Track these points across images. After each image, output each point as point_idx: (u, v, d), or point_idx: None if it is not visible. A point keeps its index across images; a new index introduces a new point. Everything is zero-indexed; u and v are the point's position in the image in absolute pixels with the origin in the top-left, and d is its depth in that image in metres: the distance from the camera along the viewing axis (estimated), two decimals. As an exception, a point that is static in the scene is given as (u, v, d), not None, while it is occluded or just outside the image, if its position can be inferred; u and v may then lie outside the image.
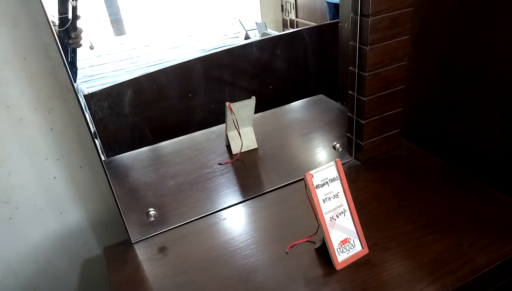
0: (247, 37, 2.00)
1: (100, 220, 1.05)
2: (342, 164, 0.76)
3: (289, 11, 2.06)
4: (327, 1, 1.64)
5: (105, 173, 0.82)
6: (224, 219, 0.94)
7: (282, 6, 2.09)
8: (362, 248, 0.80)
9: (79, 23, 0.95)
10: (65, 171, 0.95)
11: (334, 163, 0.77)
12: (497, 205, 0.88)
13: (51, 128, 0.90)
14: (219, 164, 1.11)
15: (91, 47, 1.03)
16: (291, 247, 0.83)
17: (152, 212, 0.89)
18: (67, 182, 0.97)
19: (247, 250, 0.84)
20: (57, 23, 0.81)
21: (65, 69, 0.73)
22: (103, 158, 0.91)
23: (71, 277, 1.10)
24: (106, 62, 1.79)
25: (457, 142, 1.11)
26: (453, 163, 1.01)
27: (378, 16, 0.86)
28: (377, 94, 0.97)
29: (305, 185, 0.75)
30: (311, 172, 0.74)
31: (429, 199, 0.91)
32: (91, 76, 1.64)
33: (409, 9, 0.89)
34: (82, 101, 0.94)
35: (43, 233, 1.00)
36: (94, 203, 1.02)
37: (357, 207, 0.81)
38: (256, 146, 1.16)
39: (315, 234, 0.83)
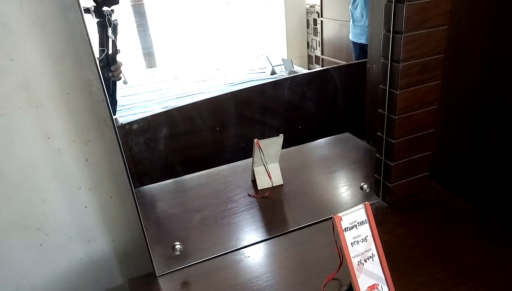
0: (273, 73, 2.05)
1: (126, 250, 1.06)
2: (370, 205, 0.76)
3: (315, 48, 2.11)
4: (352, 41, 1.68)
5: (135, 202, 0.84)
6: (248, 257, 0.93)
7: (308, 43, 2.14)
8: (391, 296, 0.77)
9: (118, 57, 1.00)
10: (96, 201, 0.98)
11: (364, 206, 0.76)
12: (533, 255, 0.84)
13: (87, 159, 0.94)
14: (248, 195, 1.11)
15: (125, 82, 1.08)
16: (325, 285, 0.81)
17: (178, 246, 0.89)
18: (97, 211, 0.99)
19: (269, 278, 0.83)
20: (98, 58, 0.86)
21: (105, 103, 0.77)
22: (138, 186, 0.94)
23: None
24: (137, 93, 1.86)
25: (489, 188, 1.09)
26: (485, 210, 0.99)
27: (408, 62, 0.88)
28: (406, 137, 0.97)
29: (333, 227, 0.74)
30: (339, 214, 0.74)
31: (460, 246, 0.89)
32: (122, 106, 1.71)
33: (440, 55, 0.90)
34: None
35: (70, 260, 1.02)
36: (121, 233, 1.04)
37: (384, 251, 0.79)
38: (282, 182, 1.17)
39: (337, 271, 0.81)
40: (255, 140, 1.08)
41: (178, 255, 0.91)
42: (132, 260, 1.08)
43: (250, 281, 0.86)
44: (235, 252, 0.95)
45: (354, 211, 0.76)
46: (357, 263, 0.75)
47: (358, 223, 0.76)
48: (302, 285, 0.83)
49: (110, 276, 1.08)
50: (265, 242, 0.97)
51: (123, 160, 0.83)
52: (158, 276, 0.89)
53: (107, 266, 1.06)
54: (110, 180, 0.98)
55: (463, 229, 0.94)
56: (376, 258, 0.77)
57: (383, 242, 0.79)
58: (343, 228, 0.74)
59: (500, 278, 0.79)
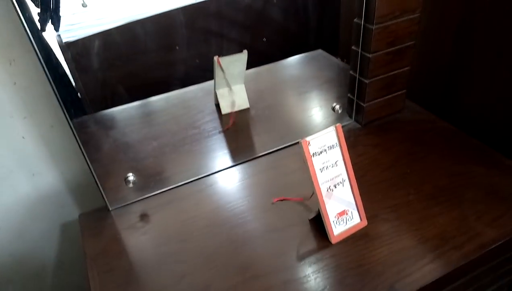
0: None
1: (78, 182, 0.97)
2: (341, 127, 0.68)
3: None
4: None
5: (74, 133, 0.73)
6: (211, 185, 0.87)
7: None
8: (361, 220, 0.73)
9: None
10: (34, 130, 0.86)
11: (334, 128, 0.68)
12: (508, 174, 0.81)
13: (15, 83, 0.79)
14: (219, 132, 1.01)
15: (84, 5, 0.90)
16: (281, 200, 0.76)
17: (131, 177, 0.81)
18: (37, 142, 0.87)
19: (235, 220, 0.77)
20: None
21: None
22: (81, 115, 0.82)
23: (49, 242, 1.03)
24: (91, 9, 1.63)
25: (468, 105, 1.03)
26: (462, 128, 0.94)
27: (391, -43, 0.74)
28: (384, 51, 0.86)
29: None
30: (307, 138, 0.66)
31: (434, 166, 0.84)
32: (72, 24, 1.49)
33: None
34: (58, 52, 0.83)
35: (15, 196, 0.92)
36: (70, 165, 0.94)
37: (356, 175, 0.74)
38: (248, 106, 1.07)
39: (310, 198, 0.76)
40: (215, 58, 0.95)
41: (133, 187, 0.83)
42: (86, 193, 0.99)
43: (213, 211, 0.80)
44: (197, 181, 0.88)
45: (324, 134, 0.68)
46: (326, 189, 0.70)
47: (327, 147, 0.69)
48: (270, 213, 0.78)
49: (65, 211, 1.00)
50: (229, 169, 0.90)
51: (50, 83, 0.70)
52: (112, 210, 0.82)
53: (59, 200, 0.98)
54: (48, 107, 0.85)
55: (438, 148, 0.89)
56: (346, 183, 0.72)
57: (354, 165, 0.73)
58: (311, 153, 0.67)
59: (473, 198, 0.76)
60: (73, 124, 0.74)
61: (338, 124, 0.68)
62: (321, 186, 0.69)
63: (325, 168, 0.68)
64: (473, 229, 0.70)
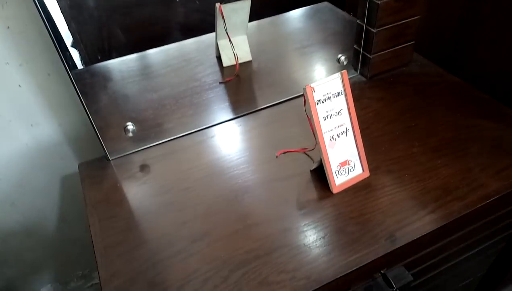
0: None
1: (77, 134, 0.96)
2: (348, 77, 0.65)
3: None
4: None
5: (72, 81, 0.71)
6: (213, 137, 0.85)
7: None
8: (363, 171, 0.72)
9: None
10: (31, 79, 0.84)
11: (340, 75, 0.66)
12: (514, 128, 0.79)
13: (8, 27, 0.76)
14: (220, 83, 0.99)
15: None
16: (284, 153, 0.76)
17: (130, 126, 0.79)
18: (34, 91, 0.85)
19: (236, 170, 0.76)
20: None
21: None
22: (80, 66, 0.80)
23: (50, 192, 1.04)
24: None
25: (477, 59, 0.99)
26: (471, 82, 0.91)
27: None
28: (394, -3, 0.82)
29: (304, 100, 0.65)
30: (312, 85, 0.64)
31: (440, 120, 0.82)
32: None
33: None
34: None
35: (15, 146, 0.92)
36: (69, 116, 0.92)
37: (360, 127, 0.72)
38: (250, 58, 1.03)
39: (312, 149, 0.75)
40: (217, 4, 0.91)
41: (134, 137, 0.82)
42: (86, 145, 0.98)
43: (214, 161, 0.79)
44: (198, 132, 0.87)
45: (329, 81, 0.65)
46: (329, 138, 0.68)
47: (332, 95, 0.67)
48: (271, 164, 0.77)
49: (65, 163, 1.00)
50: (231, 122, 0.89)
51: (48, 30, 0.67)
52: (112, 160, 0.81)
53: (59, 152, 0.97)
54: (45, 54, 0.82)
55: (445, 102, 0.87)
56: (350, 133, 0.70)
57: (358, 117, 0.71)
58: (316, 101, 0.65)
59: (478, 151, 0.75)
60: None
61: (344, 71, 0.66)
62: (324, 135, 0.67)
63: (329, 117, 0.67)
64: (476, 181, 0.69)
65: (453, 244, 0.77)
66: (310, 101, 0.64)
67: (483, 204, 0.66)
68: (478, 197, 0.67)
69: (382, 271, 0.68)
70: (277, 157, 0.78)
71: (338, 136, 0.69)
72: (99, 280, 0.61)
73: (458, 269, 0.89)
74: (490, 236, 0.84)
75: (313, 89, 0.64)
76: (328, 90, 0.66)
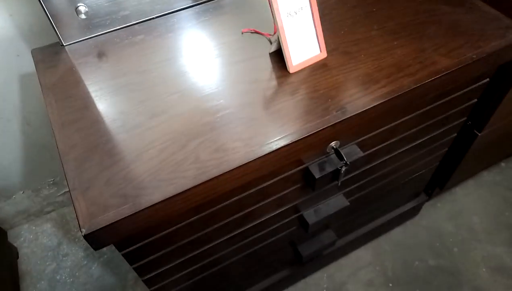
0: None
1: (30, 27, 0.91)
2: None
3: None
4: None
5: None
6: (172, 24, 0.83)
7: None
8: (320, 51, 0.73)
9: None
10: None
11: None
12: (472, 12, 0.80)
13: None
14: None
15: None
16: (249, 34, 0.76)
17: (82, 7, 0.76)
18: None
19: (196, 54, 0.76)
20: None
21: None
22: None
23: (9, 93, 1.01)
24: None
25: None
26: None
27: None
28: None
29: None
30: (266, -50, 0.61)
31: (401, 6, 0.82)
32: None
33: None
34: None
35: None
36: (19, 5, 0.87)
37: (321, 13, 0.72)
38: None
39: (273, 34, 0.75)
40: None
41: (88, 24, 0.79)
42: (41, 36, 0.93)
43: (174, 46, 0.78)
44: (156, 19, 0.84)
45: None
46: (286, 15, 0.67)
47: (289, -34, 0.64)
48: (231, 48, 0.76)
49: (21, 60, 0.96)
50: (190, 9, 0.86)
51: None
52: (66, 45, 0.79)
53: (13, 48, 0.93)
54: None
55: (407, -11, 0.86)
56: (307, 11, 0.70)
57: (320, 4, 0.70)
58: (271, -30, 0.63)
59: (434, 33, 0.76)
60: None
61: None
62: (281, 13, 0.66)
63: (285, -10, 0.65)
64: (428, 59, 0.71)
65: (404, 128, 0.81)
66: (265, -29, 0.62)
67: (432, 79, 0.68)
68: (428, 73, 0.69)
69: (334, 146, 0.71)
70: (242, 33, 0.77)
71: (296, 13, 0.68)
72: (58, 152, 0.62)
73: (410, 158, 0.95)
74: (440, 124, 0.88)
75: (269, -43, 0.62)
76: (284, -39, 0.64)
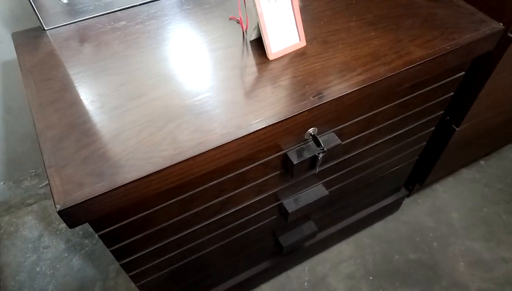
0: None
1: (12, 11, 0.91)
2: None
3: None
4: None
5: None
6: (154, 12, 0.84)
7: None
8: (300, 40, 0.74)
9: None
10: None
11: None
12: (447, 7, 0.82)
13: None
14: None
15: None
16: (237, 22, 0.77)
17: (63, -9, 0.76)
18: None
19: (178, 41, 0.76)
20: None
21: None
22: None
23: (-10, 78, 1.01)
24: None
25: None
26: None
27: None
28: None
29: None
30: None
31: (380, -1, 0.84)
32: None
33: None
34: None
35: None
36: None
37: (302, 4, 0.73)
38: None
39: (245, 28, 0.76)
40: None
41: (70, 9, 0.79)
42: (23, 22, 0.93)
43: (157, 31, 0.78)
44: (138, 7, 0.84)
45: None
46: (266, 0, 0.69)
47: (269, -46, 0.66)
48: (213, 35, 0.77)
49: (2, 47, 0.96)
50: (173, -2, 0.87)
51: None
52: (48, 30, 0.79)
53: (-5, 32, 0.93)
54: None
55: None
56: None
57: (297, -16, 0.71)
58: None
59: (411, 25, 0.78)
60: None
61: None
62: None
63: (264, -24, 0.67)
64: (404, 49, 0.73)
65: (382, 118, 0.83)
66: (245, -43, 0.63)
67: (407, 68, 0.70)
68: (403, 62, 0.71)
69: (312, 133, 0.72)
70: (230, 19, 0.79)
71: (275, 1, 0.70)
72: (35, 132, 0.62)
73: (388, 150, 0.97)
74: (418, 116, 0.91)
75: None
76: (264, -51, 0.65)
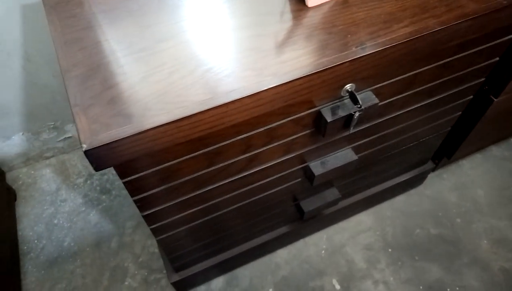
0: None
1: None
2: None
3: None
4: None
5: None
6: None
7: None
8: (342, -13, 0.68)
9: None
10: None
11: None
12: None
13: None
14: None
15: None
16: None
17: None
18: None
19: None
20: None
21: None
22: None
23: (10, 23, 0.97)
24: None
25: None
26: None
27: None
28: None
29: None
30: None
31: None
32: None
33: None
34: None
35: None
36: None
37: None
38: None
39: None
40: None
41: None
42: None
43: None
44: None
45: None
46: None
47: None
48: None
49: None
50: None
51: None
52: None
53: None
54: None
55: None
56: None
57: None
58: None
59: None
60: None
61: None
62: None
63: None
64: (456, 2, 0.67)
65: (421, 80, 0.78)
66: None
67: (458, 22, 0.64)
68: (454, 16, 0.65)
69: (349, 89, 0.68)
70: None
71: None
72: (60, 69, 0.59)
73: (423, 117, 0.91)
74: (458, 81, 0.85)
75: None
76: None
